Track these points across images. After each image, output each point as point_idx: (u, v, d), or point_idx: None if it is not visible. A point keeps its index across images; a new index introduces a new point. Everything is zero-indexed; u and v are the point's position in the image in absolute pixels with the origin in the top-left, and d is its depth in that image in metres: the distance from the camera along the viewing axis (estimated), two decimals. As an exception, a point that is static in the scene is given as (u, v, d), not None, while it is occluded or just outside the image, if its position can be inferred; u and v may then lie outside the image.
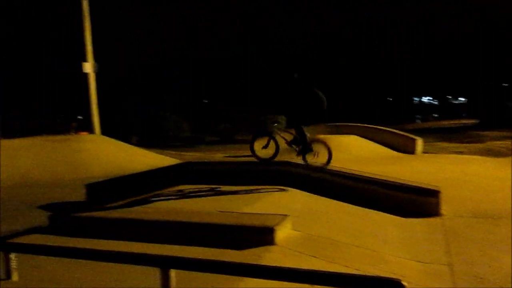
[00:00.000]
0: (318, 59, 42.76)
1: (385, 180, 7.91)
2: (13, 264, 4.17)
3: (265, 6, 47.10)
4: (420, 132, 22.49)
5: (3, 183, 12.07)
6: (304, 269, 3.19)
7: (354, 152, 16.62)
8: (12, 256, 4.15)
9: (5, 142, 15.91)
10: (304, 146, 8.16)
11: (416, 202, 7.34)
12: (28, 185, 10.69)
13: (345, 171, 8.40)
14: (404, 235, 6.23)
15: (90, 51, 20.80)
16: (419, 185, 7.64)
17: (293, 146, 8.32)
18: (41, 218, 7.98)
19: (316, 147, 8.22)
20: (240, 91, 45.71)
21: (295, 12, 46.26)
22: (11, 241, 5.11)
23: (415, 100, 53.04)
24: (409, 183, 7.78)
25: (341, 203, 7.40)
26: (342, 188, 7.96)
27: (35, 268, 4.60)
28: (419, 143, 17.49)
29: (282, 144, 8.43)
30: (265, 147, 8.33)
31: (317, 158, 8.17)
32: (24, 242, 4.99)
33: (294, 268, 3.29)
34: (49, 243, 4.94)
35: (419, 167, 12.65)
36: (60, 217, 6.40)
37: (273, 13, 47.23)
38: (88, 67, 20.52)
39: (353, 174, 8.28)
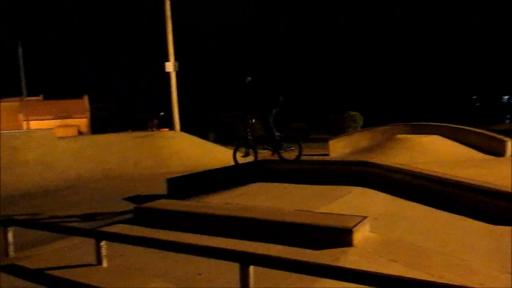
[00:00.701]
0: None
1: (472, 184, 7.41)
2: (103, 251, 4.45)
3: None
4: (510, 134, 20.80)
5: (96, 174, 13.08)
6: (385, 274, 3.07)
7: (436, 153, 15.80)
8: (103, 243, 4.44)
9: (97, 137, 17.18)
10: (273, 141, 8.38)
11: (507, 209, 6.79)
12: (115, 178, 11.44)
13: (428, 173, 8.00)
14: (494, 244, 5.80)
15: (172, 51, 21.74)
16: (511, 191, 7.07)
17: (268, 148, 8.57)
18: (126, 209, 8.52)
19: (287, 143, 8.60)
20: (314, 89, 45.32)
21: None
22: (101, 229, 5.47)
23: (504, 98, 49.12)
24: (499, 188, 7.22)
25: (424, 206, 7.05)
26: (424, 191, 7.58)
27: (121, 256, 4.89)
28: (509, 145, 16.22)
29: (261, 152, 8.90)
30: (245, 155, 8.69)
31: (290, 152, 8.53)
32: (113, 231, 5.31)
33: (375, 272, 3.17)
34: (133, 233, 5.24)
35: (510, 171, 11.70)
36: (143, 209, 6.72)
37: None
38: (170, 66, 21.47)
39: (436, 176, 7.85)
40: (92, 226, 7.26)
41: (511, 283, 4.54)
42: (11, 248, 5.31)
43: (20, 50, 28.86)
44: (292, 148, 8.47)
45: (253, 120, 8.74)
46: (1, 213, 8.13)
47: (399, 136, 18.55)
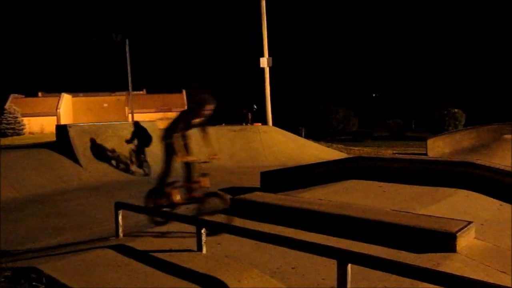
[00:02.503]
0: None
1: None
2: (203, 238, 4.66)
3: None
4: None
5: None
6: (498, 285, 2.83)
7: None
8: (203, 231, 4.65)
9: (190, 130, 18.05)
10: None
11: None
12: (211, 169, 11.82)
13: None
14: None
15: (266, 47, 22.04)
16: None
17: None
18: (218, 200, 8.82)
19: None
20: (411, 86, 43.17)
21: None
22: (201, 217, 5.73)
23: None
24: None
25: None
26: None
27: (218, 245, 5.09)
28: None
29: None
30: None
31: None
32: (212, 220, 5.54)
33: (486, 281, 2.95)
34: (230, 223, 5.42)
35: None
36: (239, 200, 6.92)
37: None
38: (264, 62, 21.80)
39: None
40: (190, 213, 7.65)
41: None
42: (120, 230, 5.77)
43: (127, 48, 31.14)
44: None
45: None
46: (111, 198, 8.89)
47: (507, 136, 17.01)
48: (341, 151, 20.57)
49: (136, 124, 14.65)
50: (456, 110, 30.76)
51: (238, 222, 5.89)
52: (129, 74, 31.32)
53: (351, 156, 13.53)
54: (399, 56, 46.10)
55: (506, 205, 6.79)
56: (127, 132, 15.11)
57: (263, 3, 22.10)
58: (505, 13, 41.77)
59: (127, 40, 31.14)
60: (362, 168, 8.92)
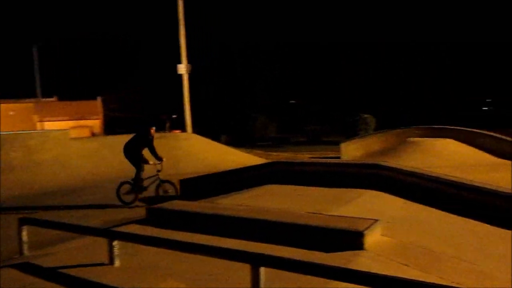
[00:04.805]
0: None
1: (488, 189, 7.29)
2: (116, 251, 4.48)
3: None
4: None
5: (110, 175, 13.16)
6: (400, 277, 3.04)
7: (449, 157, 15.65)
8: (115, 243, 4.47)
9: (111, 138, 17.32)
10: (135, 184, 10.10)
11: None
12: (129, 178, 11.47)
13: (441, 176, 7.91)
14: (510, 250, 5.70)
15: (184, 53, 21.89)
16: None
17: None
18: (139, 209, 8.58)
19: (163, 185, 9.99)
20: (327, 92, 45.16)
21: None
22: (114, 229, 5.50)
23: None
24: (514, 192, 7.11)
25: (438, 211, 6.97)
26: (438, 195, 7.49)
27: (134, 256, 4.92)
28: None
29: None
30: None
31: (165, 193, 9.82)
32: (125, 231, 5.35)
33: (389, 275, 3.14)
34: (146, 233, 5.27)
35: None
36: (155, 209, 6.76)
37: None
38: (182, 68, 21.63)
39: (451, 180, 7.75)
40: (106, 226, 7.32)
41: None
42: (25, 247, 5.37)
43: (35, 52, 29.26)
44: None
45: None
46: (16, 212, 8.25)
47: (410, 139, 18.40)
48: (261, 157, 20.92)
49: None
50: (366, 115, 32.64)
51: (155, 231, 5.74)
52: (38, 80, 29.42)
53: (269, 161, 13.80)
54: (315, 64, 48.05)
55: (409, 203, 7.31)
56: (36, 142, 14.16)
57: (181, 8, 21.95)
58: (402, 22, 45.36)
59: (33, 46, 29.25)
60: (279, 173, 9.14)
